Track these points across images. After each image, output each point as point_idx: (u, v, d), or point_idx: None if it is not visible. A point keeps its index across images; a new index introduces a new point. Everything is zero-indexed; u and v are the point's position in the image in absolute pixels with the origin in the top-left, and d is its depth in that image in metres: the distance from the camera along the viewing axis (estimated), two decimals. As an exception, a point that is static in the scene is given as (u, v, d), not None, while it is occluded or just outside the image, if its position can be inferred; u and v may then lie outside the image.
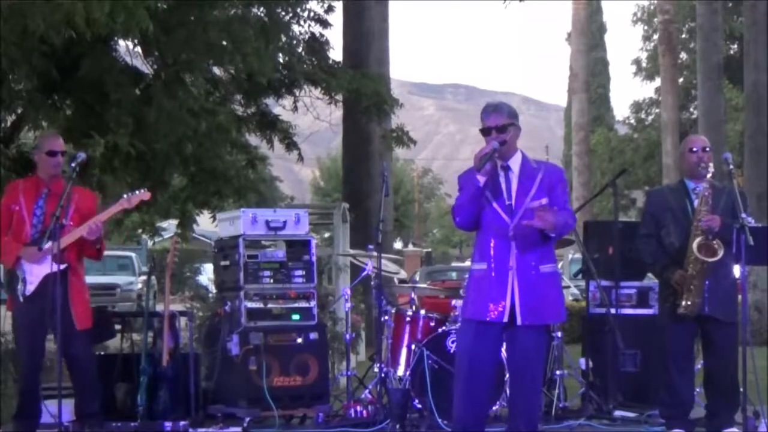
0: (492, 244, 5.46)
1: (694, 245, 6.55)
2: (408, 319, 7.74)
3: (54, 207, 6.57)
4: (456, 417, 5.59)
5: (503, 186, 5.50)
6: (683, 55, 33.28)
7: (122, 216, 10.47)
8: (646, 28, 37.01)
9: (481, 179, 5.38)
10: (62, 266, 6.52)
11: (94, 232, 6.62)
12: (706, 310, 6.61)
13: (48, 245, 6.49)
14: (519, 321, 5.41)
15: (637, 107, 36.72)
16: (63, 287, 6.55)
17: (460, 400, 5.50)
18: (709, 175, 6.65)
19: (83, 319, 6.75)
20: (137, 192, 6.89)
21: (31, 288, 6.62)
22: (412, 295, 8.19)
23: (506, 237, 5.43)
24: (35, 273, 6.62)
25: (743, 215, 6.28)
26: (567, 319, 6.00)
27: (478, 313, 5.49)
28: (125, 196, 6.89)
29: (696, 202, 6.70)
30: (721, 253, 6.51)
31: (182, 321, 7.82)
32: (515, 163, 5.55)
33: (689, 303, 6.58)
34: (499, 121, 5.48)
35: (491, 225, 5.47)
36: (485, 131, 5.51)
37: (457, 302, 7.51)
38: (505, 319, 5.42)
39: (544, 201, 5.46)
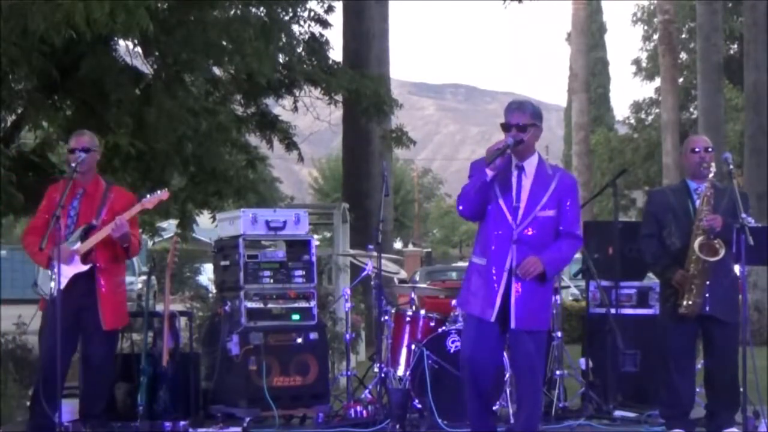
0: (493, 242, 5.45)
1: (696, 245, 6.55)
2: (408, 319, 7.74)
3: (87, 207, 6.69)
4: (470, 420, 5.64)
5: (514, 185, 5.46)
6: (683, 55, 33.21)
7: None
8: (646, 28, 36.95)
9: (490, 173, 5.33)
10: (87, 266, 6.65)
11: (120, 228, 6.62)
12: (707, 310, 6.61)
13: (77, 246, 6.61)
14: (513, 324, 5.39)
15: (637, 107, 36.67)
16: (92, 287, 6.66)
17: (470, 402, 5.54)
18: (711, 176, 6.67)
19: (112, 319, 6.77)
20: (157, 192, 6.91)
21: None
22: (412, 295, 8.18)
23: (507, 237, 5.41)
24: (64, 273, 6.58)
25: (743, 215, 6.29)
26: (567, 319, 6.02)
27: (471, 306, 5.52)
28: (147, 196, 6.90)
29: (698, 202, 6.71)
30: (722, 252, 6.51)
31: (182, 321, 7.83)
32: (530, 165, 5.49)
33: (690, 303, 6.59)
34: (521, 120, 5.43)
35: (495, 221, 5.45)
36: (506, 128, 5.46)
37: (457, 302, 7.52)
38: (492, 319, 5.41)
39: (551, 212, 5.44)
